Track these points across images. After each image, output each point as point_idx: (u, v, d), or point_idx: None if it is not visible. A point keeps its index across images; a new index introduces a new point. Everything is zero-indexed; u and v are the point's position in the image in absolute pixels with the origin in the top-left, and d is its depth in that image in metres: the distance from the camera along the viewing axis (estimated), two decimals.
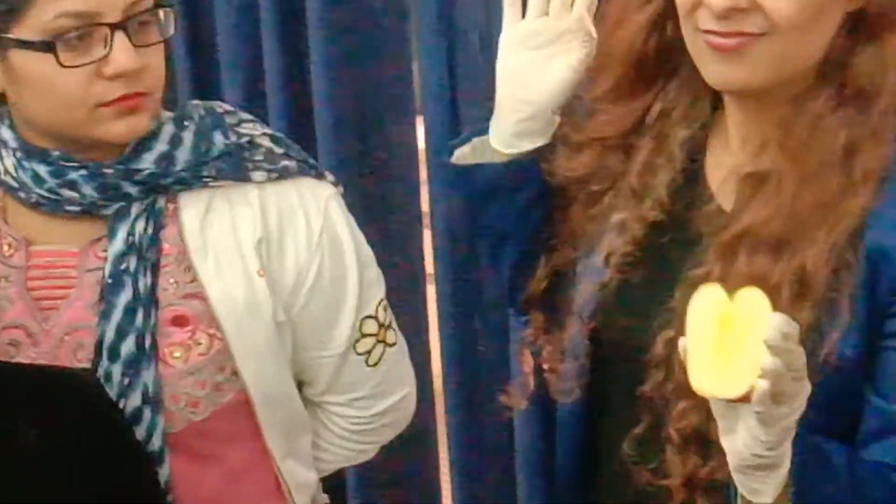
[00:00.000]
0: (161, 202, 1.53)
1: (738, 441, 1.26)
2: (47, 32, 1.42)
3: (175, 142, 1.54)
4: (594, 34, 1.52)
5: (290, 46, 2.19)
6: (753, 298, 1.25)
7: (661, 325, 1.41)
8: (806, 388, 1.25)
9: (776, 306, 1.25)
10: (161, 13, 1.51)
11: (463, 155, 1.60)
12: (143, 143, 1.51)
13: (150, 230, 1.53)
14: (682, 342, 1.26)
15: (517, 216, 1.61)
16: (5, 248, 1.54)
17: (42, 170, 1.49)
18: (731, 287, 1.27)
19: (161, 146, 1.53)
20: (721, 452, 1.30)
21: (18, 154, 1.50)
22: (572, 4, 1.51)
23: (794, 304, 1.34)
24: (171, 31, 1.53)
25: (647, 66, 1.50)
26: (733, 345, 1.26)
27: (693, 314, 1.28)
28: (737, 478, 1.30)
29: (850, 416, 1.41)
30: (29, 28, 1.42)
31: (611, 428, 1.56)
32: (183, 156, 1.53)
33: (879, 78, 1.39)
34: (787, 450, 1.28)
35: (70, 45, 1.43)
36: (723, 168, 1.50)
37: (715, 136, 1.52)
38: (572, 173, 1.56)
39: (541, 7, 1.51)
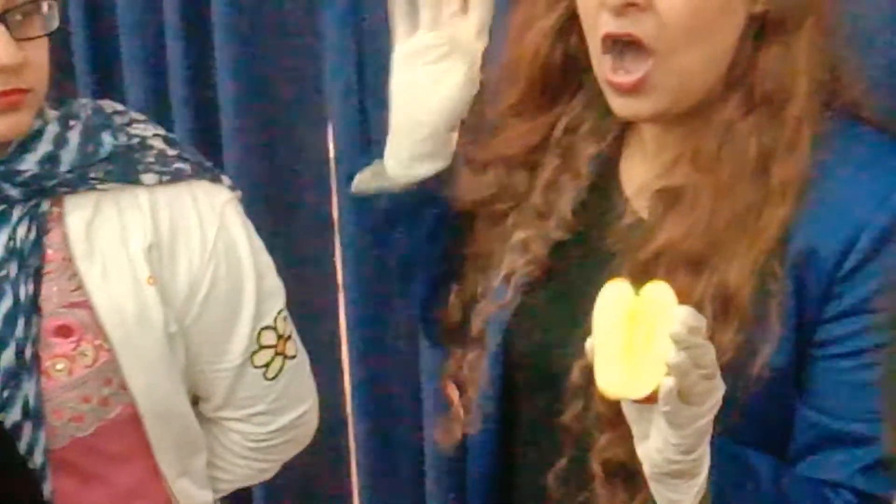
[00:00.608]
0: (45, 205, 1.53)
1: (651, 446, 1.26)
2: None
3: (60, 142, 1.53)
4: (476, 48, 1.52)
5: (194, 45, 2.18)
6: (660, 292, 1.26)
7: (577, 352, 1.38)
8: (718, 388, 1.25)
9: None
10: (45, 5, 1.49)
11: (363, 180, 1.59)
12: (26, 142, 1.51)
13: (32, 235, 1.52)
14: (588, 342, 1.26)
15: (422, 243, 1.60)
16: None
17: None
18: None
19: (45, 146, 1.52)
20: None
21: None
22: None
23: (719, 323, 1.35)
24: (56, 24, 1.51)
25: (553, 77, 1.51)
26: (641, 342, 1.26)
27: (599, 311, 1.29)
28: (654, 488, 1.30)
29: (782, 428, 1.42)
30: None
31: (529, 461, 1.56)
32: (68, 157, 1.53)
33: (789, 82, 1.39)
34: (703, 456, 1.28)
35: None
36: (638, 178, 1.51)
37: (628, 145, 1.53)
38: (477, 195, 1.56)
39: (434, 18, 1.49)
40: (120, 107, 1.63)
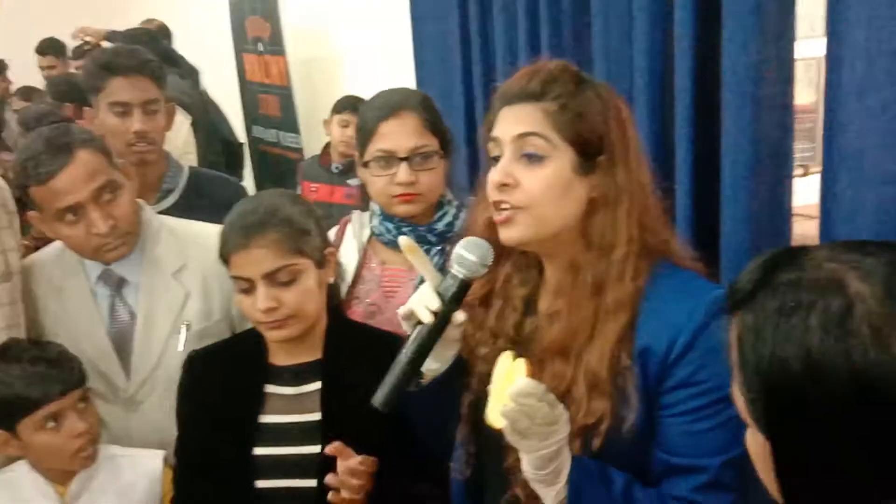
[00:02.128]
0: (447, 248, 2.26)
1: (522, 463, 1.58)
2: (371, 157, 2.37)
3: (455, 218, 2.47)
4: None
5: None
6: (519, 364, 1.52)
7: None
8: (555, 433, 1.52)
9: (577, 397, 1.58)
10: (437, 152, 2.37)
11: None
12: (439, 217, 2.45)
13: (439, 261, 2.36)
14: (489, 387, 1.57)
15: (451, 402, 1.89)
16: (373, 265, 2.51)
17: (389, 226, 2.47)
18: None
19: (447, 218, 2.46)
20: None
21: (381, 216, 2.49)
22: None
23: (592, 395, 1.60)
24: (438, 163, 2.37)
25: (495, 249, 1.75)
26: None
27: (495, 370, 1.56)
28: (532, 486, 1.60)
29: (642, 465, 1.66)
30: (366, 154, 2.39)
31: (491, 494, 1.84)
32: (458, 224, 2.42)
33: (612, 236, 1.67)
34: (556, 471, 1.54)
35: (379, 165, 2.36)
36: (546, 303, 1.79)
37: (543, 286, 1.82)
38: (473, 325, 1.84)
39: None
40: None
